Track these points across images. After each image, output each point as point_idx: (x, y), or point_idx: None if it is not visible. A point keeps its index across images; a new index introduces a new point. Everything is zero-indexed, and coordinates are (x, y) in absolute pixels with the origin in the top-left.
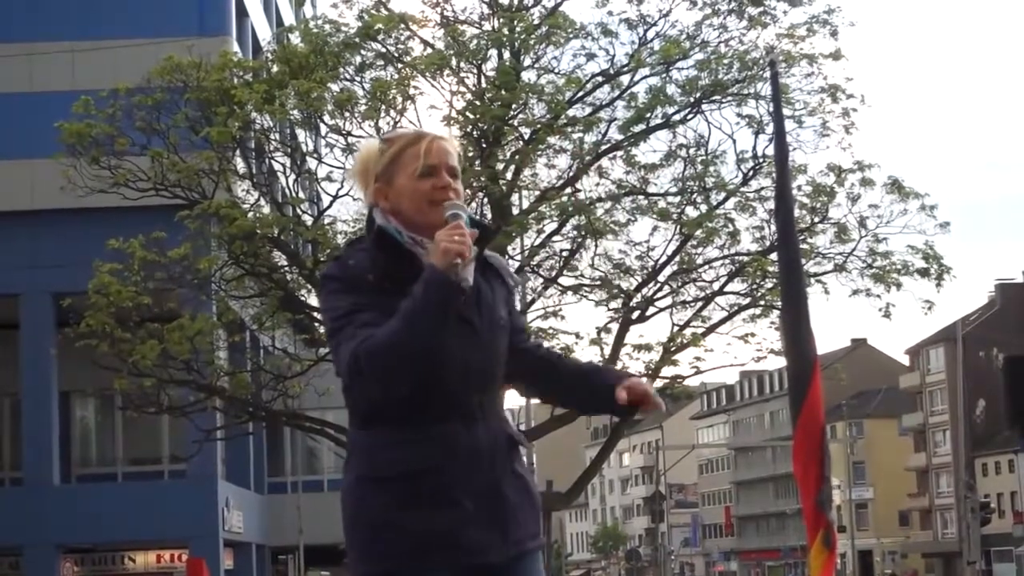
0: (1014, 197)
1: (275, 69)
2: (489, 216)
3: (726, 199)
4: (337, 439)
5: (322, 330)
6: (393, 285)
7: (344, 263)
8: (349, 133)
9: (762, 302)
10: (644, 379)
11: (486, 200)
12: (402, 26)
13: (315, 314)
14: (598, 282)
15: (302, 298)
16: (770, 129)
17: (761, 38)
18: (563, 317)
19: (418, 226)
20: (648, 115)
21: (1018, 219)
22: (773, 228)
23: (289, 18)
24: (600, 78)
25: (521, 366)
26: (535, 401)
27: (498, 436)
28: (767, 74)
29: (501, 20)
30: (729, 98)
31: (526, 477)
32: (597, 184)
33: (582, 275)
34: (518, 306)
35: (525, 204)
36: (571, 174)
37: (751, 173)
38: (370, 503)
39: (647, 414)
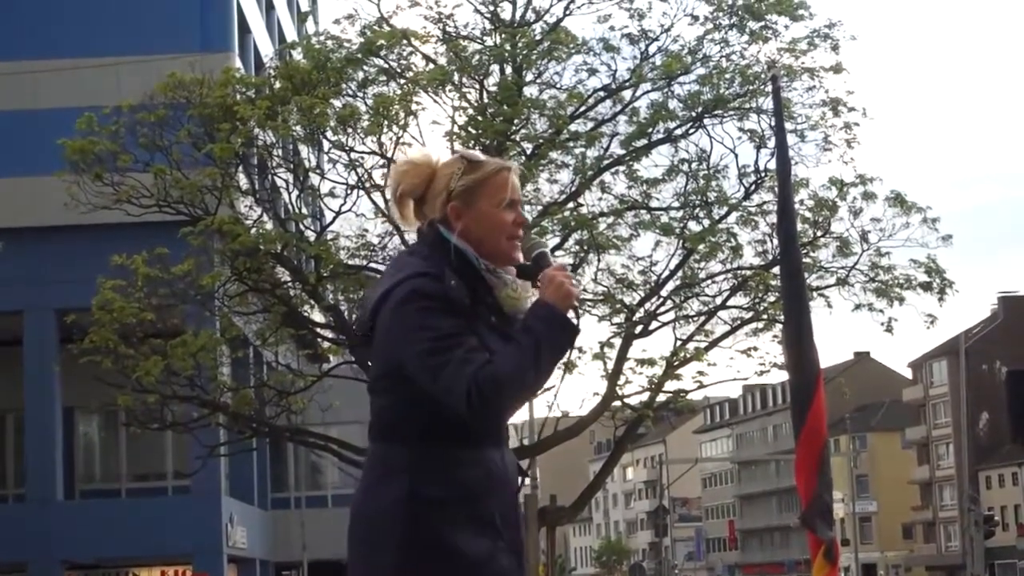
0: (1017, 210)
1: (278, 85)
2: None
3: (728, 213)
4: (341, 455)
5: (325, 345)
6: (482, 308)
7: (440, 281)
8: (352, 149)
9: (765, 316)
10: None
11: None
12: (404, 42)
13: (318, 330)
14: (601, 297)
15: (305, 314)
16: (772, 143)
17: (763, 52)
18: None
19: (487, 253)
20: (650, 130)
21: (1021, 232)
22: (775, 242)
23: (291, 34)
24: (602, 93)
25: None
26: (539, 416)
27: (515, 463)
28: (769, 88)
29: (503, 36)
30: (731, 112)
31: (520, 509)
32: (599, 199)
33: (585, 290)
34: None
35: (528, 219)
36: (573, 189)
37: (753, 187)
38: (423, 521)
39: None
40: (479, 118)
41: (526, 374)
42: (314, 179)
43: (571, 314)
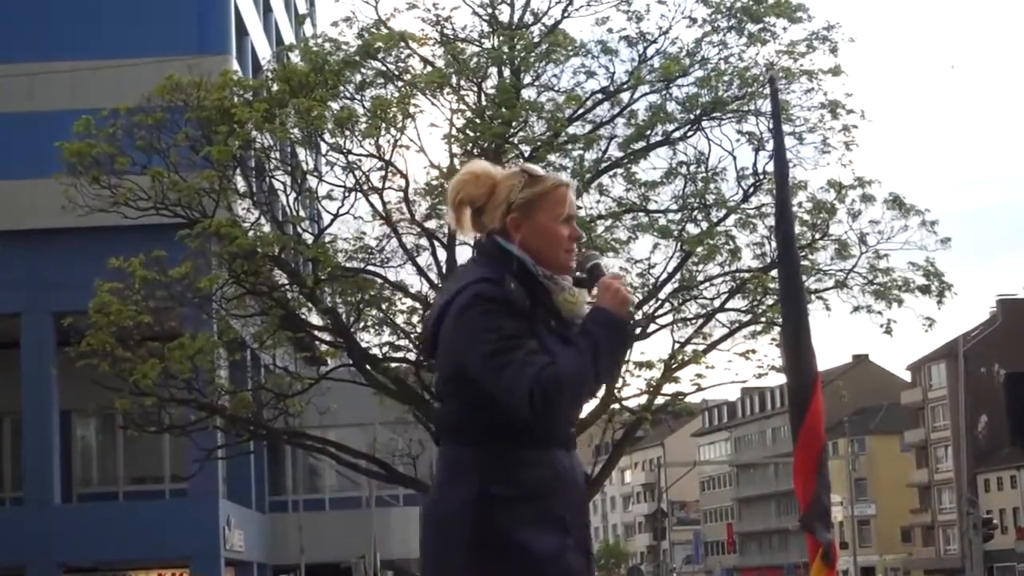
0: (1016, 213)
1: (275, 88)
2: None
3: (727, 216)
4: (339, 457)
5: (323, 348)
6: (541, 313)
7: (503, 286)
8: (349, 151)
9: (763, 319)
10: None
11: None
12: (402, 44)
13: (316, 332)
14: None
15: (303, 316)
16: (770, 146)
17: (761, 55)
18: None
19: (545, 264)
20: (648, 132)
21: (1020, 234)
22: (774, 245)
23: (289, 37)
24: (600, 95)
25: None
26: None
27: (582, 469)
28: (767, 91)
29: (501, 38)
30: (729, 115)
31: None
32: (598, 201)
33: None
34: None
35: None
36: None
37: (751, 190)
38: (494, 520)
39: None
40: (477, 120)
41: (586, 375)
42: (312, 181)
43: (629, 317)
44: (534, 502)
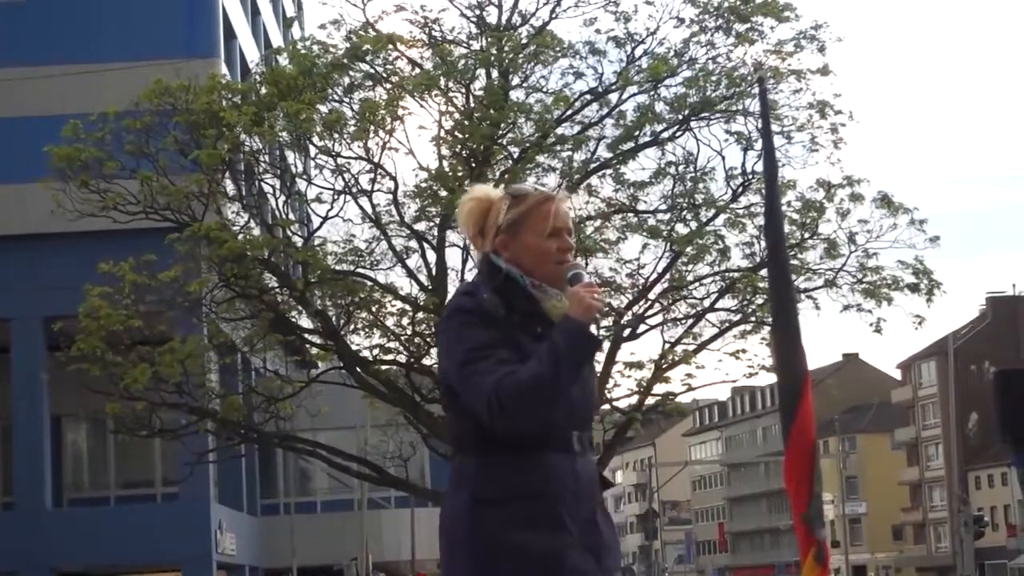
0: (1004, 211)
1: (264, 91)
2: None
3: (716, 216)
4: (330, 460)
5: (313, 351)
6: (521, 320)
7: (476, 298)
8: (338, 154)
9: (753, 318)
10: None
11: None
12: (390, 47)
13: (306, 336)
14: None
15: (293, 320)
16: (759, 145)
17: (749, 55)
18: None
19: (538, 279)
20: (637, 133)
21: (1009, 232)
22: (763, 244)
23: (277, 40)
24: (588, 96)
25: None
26: None
27: (593, 472)
28: (755, 90)
29: (489, 40)
30: (717, 115)
31: (611, 516)
32: (587, 202)
33: None
34: None
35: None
36: None
37: (740, 189)
38: (480, 524)
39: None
40: (466, 122)
41: (543, 383)
42: (301, 185)
43: (594, 325)
44: (528, 502)
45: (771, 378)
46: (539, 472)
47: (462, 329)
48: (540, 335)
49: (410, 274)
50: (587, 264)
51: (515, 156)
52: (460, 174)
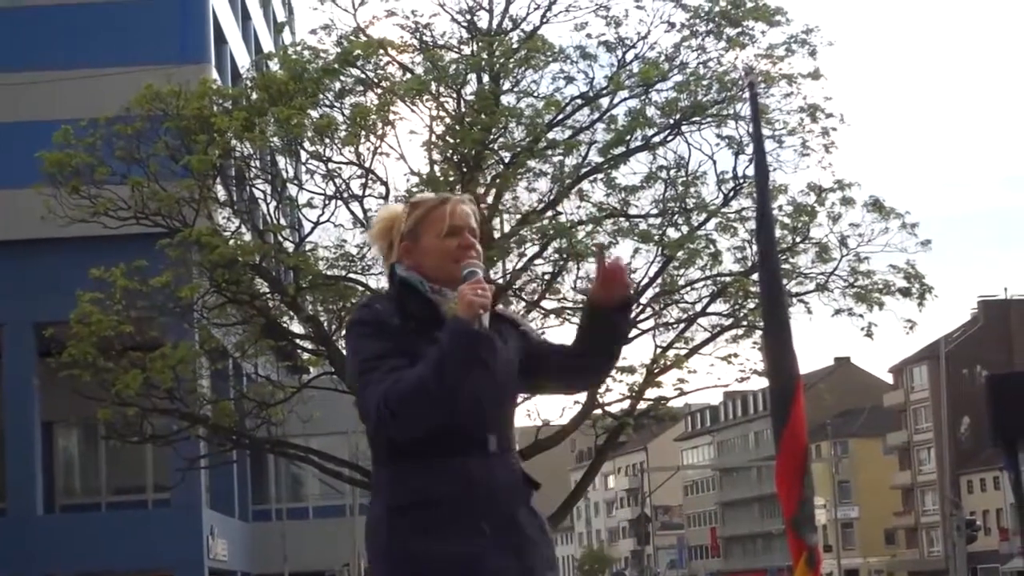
0: (996, 215)
1: (255, 96)
2: None
3: (707, 220)
4: (322, 466)
5: (305, 356)
6: (418, 328)
7: (372, 309)
8: (329, 159)
9: (744, 323)
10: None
11: None
12: (381, 52)
13: (297, 341)
14: (580, 305)
15: (284, 325)
16: (750, 150)
17: (740, 59)
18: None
19: (439, 281)
20: (628, 137)
21: (1000, 236)
22: (754, 248)
23: (268, 45)
24: (579, 101)
25: (552, 367)
26: (519, 425)
27: (513, 472)
28: (746, 95)
29: (480, 44)
30: (709, 119)
31: (540, 515)
32: (578, 207)
33: (564, 298)
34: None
35: (506, 228)
36: (552, 197)
37: (732, 194)
38: (392, 532)
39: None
40: (457, 127)
41: (427, 386)
42: (292, 190)
43: (478, 322)
44: (440, 509)
45: (763, 382)
46: (450, 477)
47: (357, 341)
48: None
49: None
50: (579, 269)
51: (506, 161)
52: (451, 179)
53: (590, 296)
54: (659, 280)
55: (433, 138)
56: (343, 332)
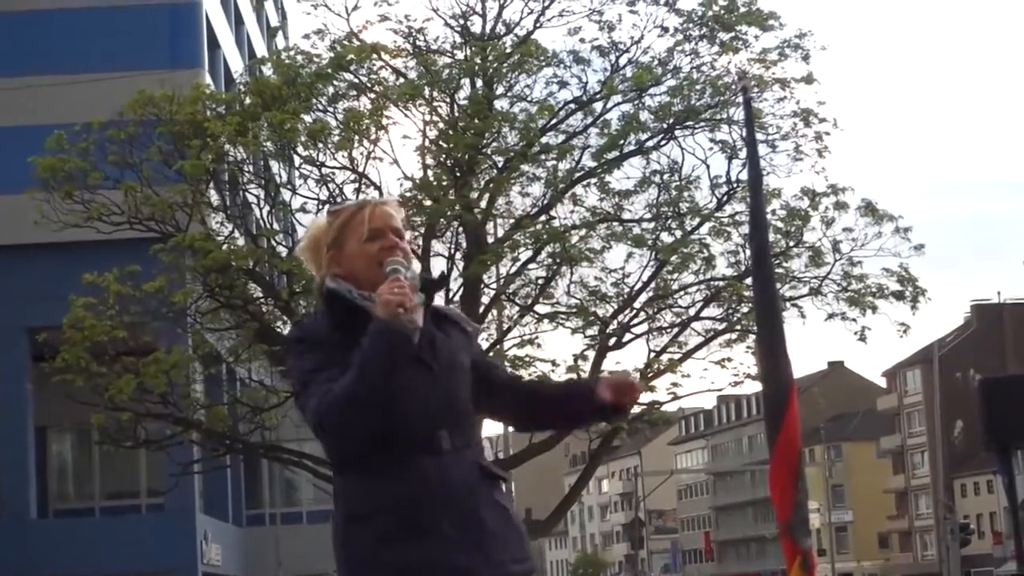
0: (989, 217)
1: (248, 101)
2: (464, 245)
3: (700, 224)
4: (316, 471)
5: None
6: (350, 338)
7: (303, 326)
8: (323, 164)
9: (738, 327)
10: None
11: (461, 229)
12: (374, 56)
13: None
14: (574, 309)
15: (278, 330)
16: (743, 154)
17: (733, 63)
18: (540, 345)
19: (370, 284)
20: (621, 142)
21: (993, 240)
22: (748, 253)
23: (261, 50)
24: (573, 105)
25: (505, 401)
26: (512, 429)
27: (472, 468)
28: (740, 99)
29: (473, 49)
30: (702, 124)
31: (507, 507)
32: (571, 211)
33: (558, 303)
34: (485, 344)
35: (500, 232)
36: (545, 202)
37: (725, 198)
38: (353, 542)
39: (631, 404)
40: (450, 132)
41: (354, 389)
42: (285, 195)
43: (406, 315)
44: (397, 513)
45: (757, 386)
46: (402, 480)
47: (294, 359)
48: None
49: None
50: (572, 273)
51: (499, 165)
52: (445, 183)
53: (599, 388)
54: (653, 284)
55: (426, 143)
56: None
